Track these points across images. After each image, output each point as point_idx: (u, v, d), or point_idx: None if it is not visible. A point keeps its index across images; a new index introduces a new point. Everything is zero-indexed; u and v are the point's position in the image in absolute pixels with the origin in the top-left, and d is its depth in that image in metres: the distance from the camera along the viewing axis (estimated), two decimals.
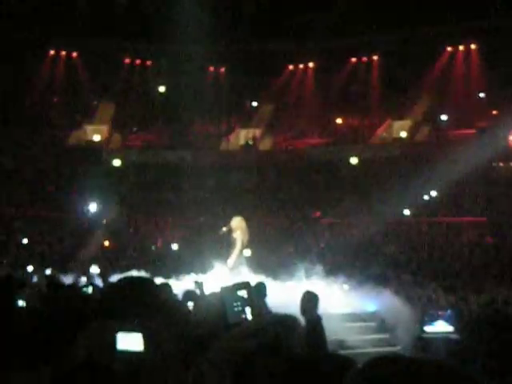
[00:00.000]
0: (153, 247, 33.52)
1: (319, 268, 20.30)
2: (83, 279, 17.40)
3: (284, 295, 16.71)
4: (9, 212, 35.01)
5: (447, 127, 40.17)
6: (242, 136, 42.79)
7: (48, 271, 19.98)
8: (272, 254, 28.70)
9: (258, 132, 43.08)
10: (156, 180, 39.19)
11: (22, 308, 7.28)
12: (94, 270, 17.69)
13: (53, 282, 12.51)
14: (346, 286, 21.38)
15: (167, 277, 20.49)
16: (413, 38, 38.60)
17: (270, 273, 20.50)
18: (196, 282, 13.19)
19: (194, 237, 33.73)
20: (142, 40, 40.90)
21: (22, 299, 7.98)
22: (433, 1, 36.82)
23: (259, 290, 10.56)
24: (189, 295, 10.02)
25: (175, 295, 10.09)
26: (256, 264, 21.79)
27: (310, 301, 9.63)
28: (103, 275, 17.42)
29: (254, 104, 43.72)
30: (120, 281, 4.28)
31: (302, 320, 9.43)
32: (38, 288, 12.92)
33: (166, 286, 11.79)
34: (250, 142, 42.22)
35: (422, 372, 1.66)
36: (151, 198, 37.87)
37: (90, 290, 10.06)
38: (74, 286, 11.72)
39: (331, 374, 2.48)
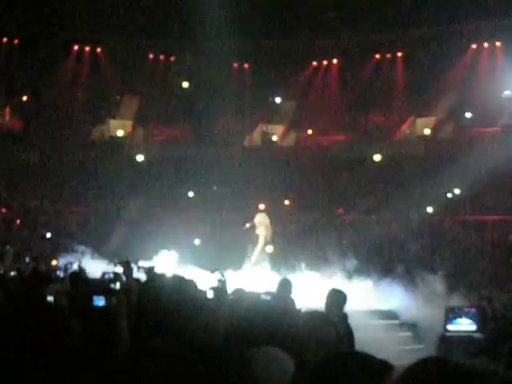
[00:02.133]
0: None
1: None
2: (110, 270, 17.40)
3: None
4: (33, 206, 35.25)
5: (471, 125, 39.96)
6: (265, 132, 42.75)
7: (75, 266, 20.02)
8: (294, 250, 28.70)
9: (281, 128, 43.04)
10: (179, 175, 39.28)
11: (50, 304, 7.30)
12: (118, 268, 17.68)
13: (78, 277, 12.52)
14: (369, 283, 21.37)
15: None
16: (437, 34, 38.46)
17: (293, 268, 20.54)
18: (219, 280, 13.22)
19: (216, 232, 33.83)
20: (165, 35, 40.96)
21: (50, 295, 8.01)
22: None
23: (284, 287, 10.58)
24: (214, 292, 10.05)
25: (203, 291, 10.12)
26: (279, 260, 21.85)
27: (335, 299, 9.56)
28: (126, 271, 17.43)
29: (278, 100, 43.64)
30: (150, 278, 4.32)
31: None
32: (64, 283, 12.96)
33: (191, 282, 11.85)
34: (273, 139, 42.17)
35: (470, 377, 1.67)
36: (174, 193, 37.98)
37: (117, 285, 10.06)
38: (101, 282, 11.75)
39: (366, 376, 2.48)
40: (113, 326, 4.57)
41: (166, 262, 22.00)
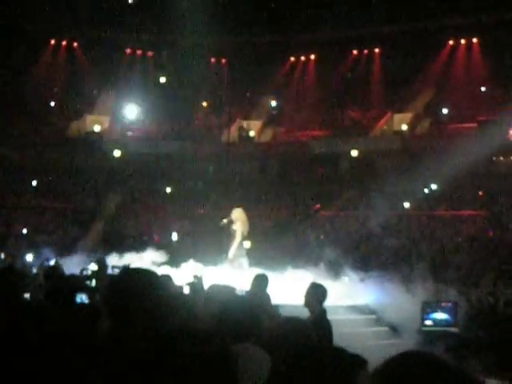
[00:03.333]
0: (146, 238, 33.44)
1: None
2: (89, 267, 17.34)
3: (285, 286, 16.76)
4: (9, 202, 35.05)
5: (448, 120, 40.11)
6: (243, 127, 42.73)
7: (52, 262, 19.89)
8: (271, 246, 28.69)
9: (258, 124, 43.03)
10: (156, 171, 39.20)
11: (27, 301, 7.23)
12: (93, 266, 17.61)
13: (53, 273, 12.40)
14: (346, 279, 21.41)
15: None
16: (414, 30, 38.56)
17: (270, 264, 20.52)
18: (195, 276, 13.20)
19: (193, 228, 33.76)
20: (143, 31, 40.86)
21: (26, 292, 7.92)
22: None
23: (259, 282, 10.55)
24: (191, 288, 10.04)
25: (179, 287, 10.09)
26: (256, 256, 21.84)
27: (315, 293, 9.53)
28: (100, 269, 17.36)
29: (255, 95, 43.64)
30: (123, 274, 4.27)
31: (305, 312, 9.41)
32: (37, 279, 12.86)
33: (167, 278, 11.80)
34: (251, 134, 42.16)
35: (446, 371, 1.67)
36: (151, 189, 37.90)
37: (93, 283, 10.01)
38: (77, 279, 11.65)
39: (339, 371, 2.47)
40: (96, 324, 4.55)
41: (144, 259, 21.97)
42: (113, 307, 3.69)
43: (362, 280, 21.02)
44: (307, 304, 9.43)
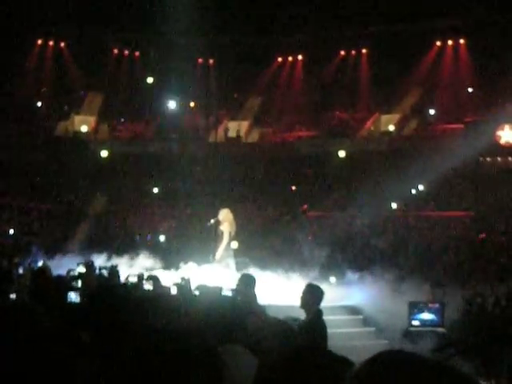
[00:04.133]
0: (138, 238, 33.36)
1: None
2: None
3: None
4: None
5: (435, 121, 40.24)
6: (230, 128, 42.73)
7: (40, 263, 19.82)
8: (259, 246, 28.66)
9: (245, 124, 43.03)
10: (143, 171, 39.13)
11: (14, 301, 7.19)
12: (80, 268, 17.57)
13: (41, 275, 12.34)
14: (332, 279, 21.41)
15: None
16: (402, 31, 38.63)
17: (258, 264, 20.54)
18: (182, 278, 13.18)
19: (181, 228, 33.70)
20: (130, 31, 40.79)
21: (12, 292, 7.88)
22: None
23: (246, 282, 10.52)
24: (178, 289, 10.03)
25: (166, 287, 10.07)
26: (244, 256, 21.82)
27: (311, 294, 9.47)
28: (88, 271, 17.31)
29: (243, 96, 43.64)
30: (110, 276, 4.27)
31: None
32: (22, 280, 12.79)
33: (154, 279, 11.77)
34: (240, 135, 42.18)
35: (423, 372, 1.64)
36: (138, 189, 37.82)
37: (79, 284, 9.97)
38: (64, 279, 11.61)
39: (324, 374, 2.45)
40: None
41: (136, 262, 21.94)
42: (100, 307, 3.68)
43: (349, 280, 21.06)
44: (303, 305, 9.37)
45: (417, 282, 20.88)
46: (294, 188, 37.28)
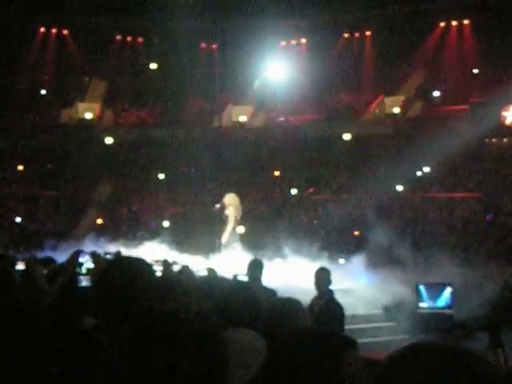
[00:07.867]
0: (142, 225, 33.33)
1: None
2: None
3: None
4: (2, 191, 34.91)
5: (440, 103, 40.09)
6: (235, 113, 42.60)
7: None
8: (265, 230, 28.64)
9: (250, 108, 42.89)
10: (149, 157, 39.11)
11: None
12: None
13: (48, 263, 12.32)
14: (341, 261, 21.43)
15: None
16: (405, 13, 38.46)
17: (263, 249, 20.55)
18: (183, 266, 13.17)
19: (186, 214, 33.71)
20: (133, 16, 40.67)
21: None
22: None
23: (255, 267, 10.51)
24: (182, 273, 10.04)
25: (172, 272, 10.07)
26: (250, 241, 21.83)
27: (323, 277, 10.08)
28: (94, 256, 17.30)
29: (247, 80, 43.48)
30: (114, 262, 4.24)
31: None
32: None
33: (165, 264, 11.79)
34: (243, 119, 42.05)
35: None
36: (144, 176, 37.80)
37: (83, 270, 9.97)
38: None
39: (327, 352, 2.43)
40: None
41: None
42: (105, 290, 3.66)
43: (355, 262, 21.05)
44: (318, 287, 9.99)
45: (424, 264, 20.88)
46: (298, 171, 37.16)
